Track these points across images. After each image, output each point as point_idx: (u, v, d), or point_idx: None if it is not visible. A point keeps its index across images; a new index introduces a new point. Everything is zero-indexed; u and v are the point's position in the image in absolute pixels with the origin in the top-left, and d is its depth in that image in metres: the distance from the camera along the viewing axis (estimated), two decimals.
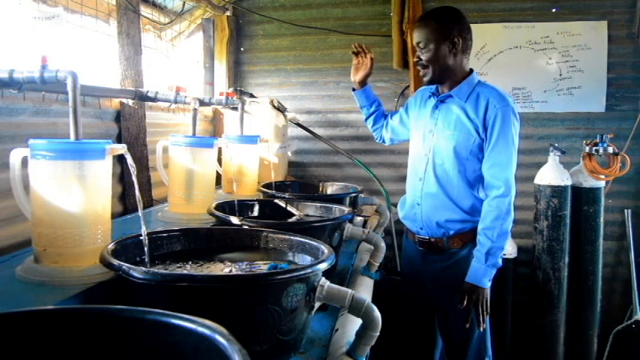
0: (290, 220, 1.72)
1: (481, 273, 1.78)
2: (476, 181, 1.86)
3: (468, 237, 1.88)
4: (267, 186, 2.26)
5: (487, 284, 1.79)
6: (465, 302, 1.79)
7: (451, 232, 1.89)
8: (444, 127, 1.87)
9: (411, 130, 2.06)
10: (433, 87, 1.95)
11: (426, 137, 1.93)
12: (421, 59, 1.85)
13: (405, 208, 2.04)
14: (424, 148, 1.93)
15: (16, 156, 1.15)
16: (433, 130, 1.90)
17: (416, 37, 1.86)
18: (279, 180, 2.61)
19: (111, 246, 1.05)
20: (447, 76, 1.86)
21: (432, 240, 1.94)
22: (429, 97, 1.97)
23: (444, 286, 1.93)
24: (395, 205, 3.12)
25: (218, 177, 2.28)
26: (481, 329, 1.84)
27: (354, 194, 2.18)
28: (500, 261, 1.80)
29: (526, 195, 3.03)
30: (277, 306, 0.94)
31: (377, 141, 2.33)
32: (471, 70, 1.89)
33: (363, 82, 2.19)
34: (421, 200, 1.93)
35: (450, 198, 1.87)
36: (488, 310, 1.82)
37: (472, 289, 1.78)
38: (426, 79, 1.88)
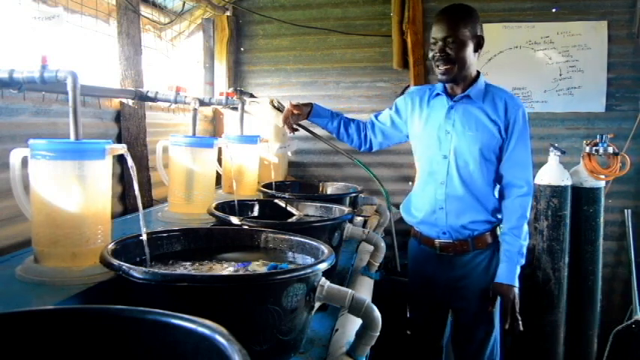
0: (290, 220, 1.72)
1: (513, 272, 1.78)
2: (494, 181, 1.86)
3: (490, 237, 1.87)
4: (267, 186, 2.26)
5: (517, 283, 1.79)
6: (496, 303, 1.77)
7: (476, 233, 1.86)
8: (464, 127, 1.81)
9: (416, 133, 1.95)
10: (436, 87, 1.89)
11: (442, 139, 1.85)
12: (448, 54, 1.74)
13: (423, 214, 1.92)
14: (441, 150, 1.85)
15: (16, 156, 1.15)
16: (450, 131, 1.83)
17: (444, 31, 1.74)
18: (279, 180, 2.61)
19: (111, 246, 1.05)
20: (464, 75, 1.80)
21: (457, 242, 1.87)
22: (434, 96, 1.90)
23: (468, 289, 1.88)
24: (396, 206, 3.12)
25: (218, 177, 2.28)
26: (520, 329, 1.80)
27: (354, 194, 2.18)
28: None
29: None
30: (277, 306, 0.94)
31: (360, 149, 2.16)
32: (478, 72, 1.87)
33: (308, 113, 2.08)
34: (445, 204, 1.85)
35: (476, 199, 1.83)
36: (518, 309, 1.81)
37: (507, 289, 1.77)
38: (446, 76, 1.78)
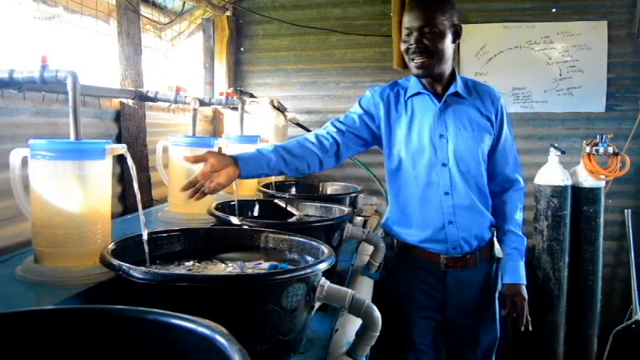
0: (290, 220, 1.72)
1: (521, 269, 1.72)
2: (485, 180, 1.72)
3: (492, 243, 1.77)
4: (267, 186, 2.26)
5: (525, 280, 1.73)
6: (510, 305, 1.68)
7: (482, 244, 1.70)
8: (460, 129, 1.61)
9: (398, 139, 1.65)
10: (408, 84, 1.68)
11: (437, 145, 1.61)
12: (425, 46, 1.54)
13: (430, 232, 1.66)
14: (438, 156, 1.61)
15: (16, 156, 1.15)
16: (445, 134, 1.61)
17: (419, 19, 1.54)
18: (279, 180, 2.61)
19: (111, 246, 1.05)
20: (443, 69, 1.60)
21: (468, 256, 1.68)
22: (411, 96, 1.65)
23: (470, 302, 1.72)
24: None
25: None
26: (530, 328, 1.72)
27: (354, 194, 2.18)
28: None
29: (526, 195, 3.01)
30: (277, 306, 0.94)
31: (319, 171, 1.64)
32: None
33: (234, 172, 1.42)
34: (454, 217, 1.63)
35: (483, 205, 1.68)
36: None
37: (519, 289, 1.69)
38: (422, 70, 1.57)
